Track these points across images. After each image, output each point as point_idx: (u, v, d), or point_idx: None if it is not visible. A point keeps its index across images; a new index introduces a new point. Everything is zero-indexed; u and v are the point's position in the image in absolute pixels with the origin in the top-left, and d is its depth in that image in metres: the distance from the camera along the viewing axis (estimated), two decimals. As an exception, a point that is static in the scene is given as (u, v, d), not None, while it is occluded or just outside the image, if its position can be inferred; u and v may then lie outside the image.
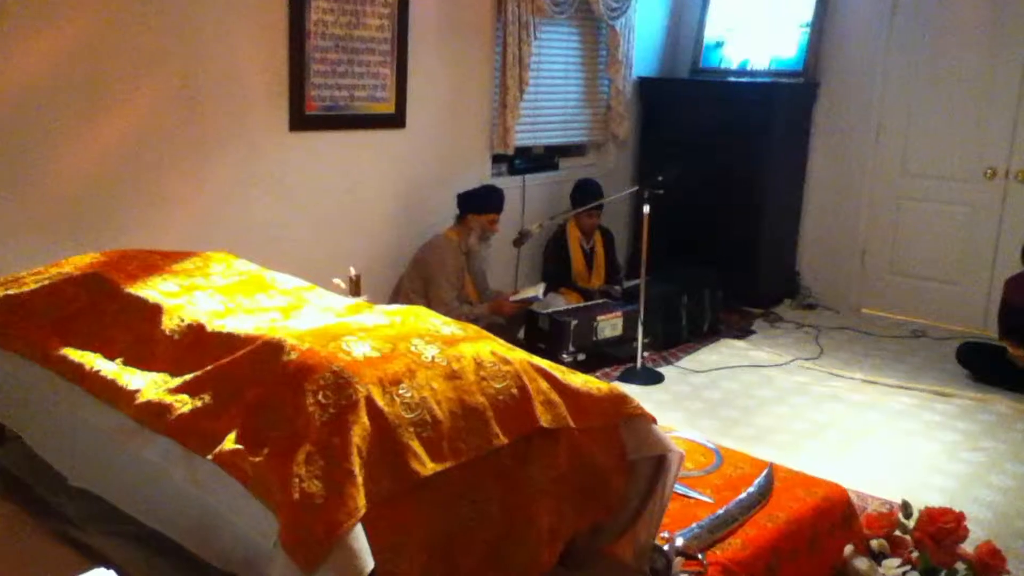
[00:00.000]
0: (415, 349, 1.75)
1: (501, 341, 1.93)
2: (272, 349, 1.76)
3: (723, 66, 6.34)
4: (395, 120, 4.66)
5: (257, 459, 1.59)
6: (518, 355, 1.87)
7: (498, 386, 1.76)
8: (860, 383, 4.70)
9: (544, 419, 1.78)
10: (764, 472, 2.31)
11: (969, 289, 5.65)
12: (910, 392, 4.58)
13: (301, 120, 4.23)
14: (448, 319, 1.98)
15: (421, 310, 2.00)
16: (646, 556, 1.85)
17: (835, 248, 6.21)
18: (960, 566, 2.38)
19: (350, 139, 4.49)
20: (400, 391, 1.64)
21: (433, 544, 1.65)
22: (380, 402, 1.60)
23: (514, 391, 1.77)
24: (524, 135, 5.43)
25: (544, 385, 1.84)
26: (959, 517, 2.45)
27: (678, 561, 1.85)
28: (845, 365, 4.96)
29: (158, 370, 1.91)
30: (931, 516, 2.47)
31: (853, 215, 6.11)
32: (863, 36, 5.91)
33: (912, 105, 5.78)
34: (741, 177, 5.87)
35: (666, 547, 1.86)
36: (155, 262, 2.37)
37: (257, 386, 1.72)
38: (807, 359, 5.04)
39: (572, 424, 1.82)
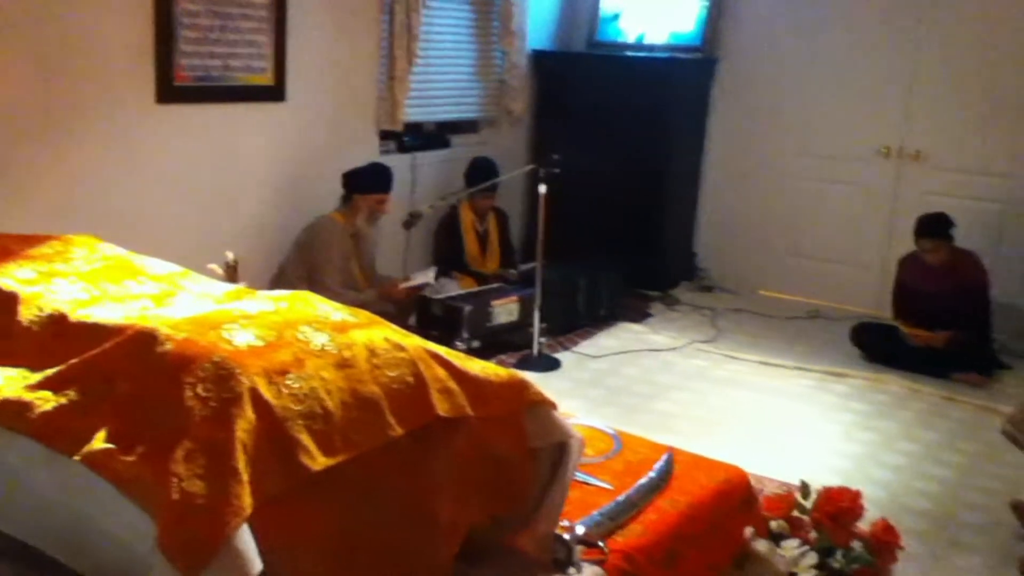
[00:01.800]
0: (303, 337, 1.74)
1: (395, 327, 1.93)
2: (145, 340, 1.72)
3: (620, 40, 6.45)
4: (274, 93, 4.57)
5: (131, 458, 1.55)
6: (413, 342, 1.88)
7: (392, 374, 1.77)
8: (757, 365, 4.90)
9: (442, 408, 1.79)
10: (664, 457, 2.40)
11: (863, 269, 5.96)
12: (806, 373, 4.81)
13: (170, 92, 4.09)
14: (339, 305, 1.97)
15: (309, 295, 1.98)
16: (547, 546, 1.89)
17: (732, 229, 6.43)
18: (856, 544, 2.53)
19: (225, 113, 4.37)
20: (288, 382, 1.62)
21: (328, 542, 1.64)
22: (266, 394, 1.58)
23: (409, 379, 1.78)
24: (414, 110, 5.40)
25: (441, 372, 1.85)
26: (855, 496, 2.60)
27: (579, 550, 1.90)
28: (741, 347, 5.16)
29: (16, 365, 1.83)
30: (828, 496, 2.61)
31: (750, 196, 6.34)
32: (761, 13, 6.13)
33: (809, 84, 6.03)
34: (639, 156, 6.00)
35: (567, 536, 1.90)
36: (8, 247, 2.26)
37: (129, 380, 1.68)
38: (703, 342, 5.22)
39: (471, 412, 1.84)
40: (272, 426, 1.57)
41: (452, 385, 1.84)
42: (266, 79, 4.51)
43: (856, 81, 5.88)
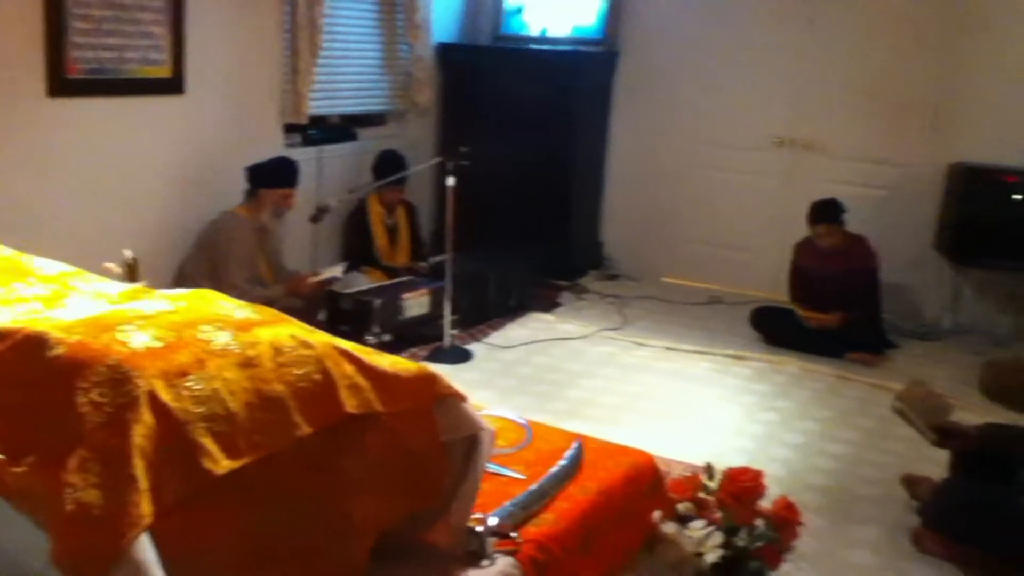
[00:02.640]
0: (204, 336, 1.66)
1: (302, 324, 1.87)
2: (34, 344, 1.62)
3: (524, 33, 6.45)
4: (173, 86, 4.40)
5: (21, 469, 1.46)
6: (320, 338, 1.82)
7: (299, 372, 1.71)
8: (663, 351, 4.97)
9: (351, 405, 1.74)
10: (574, 445, 2.39)
11: (761, 255, 6.11)
12: (710, 357, 4.90)
13: (62, 85, 3.90)
14: (242, 302, 1.90)
15: (209, 293, 1.90)
16: (461, 540, 1.87)
17: (637, 218, 6.51)
18: (760, 522, 2.58)
19: (121, 106, 4.19)
20: (188, 384, 1.55)
21: (236, 547, 1.58)
22: (165, 397, 1.51)
23: (317, 377, 1.73)
24: (319, 103, 5.29)
25: (349, 369, 1.80)
26: (757, 476, 2.66)
27: (492, 541, 1.88)
28: (647, 333, 5.23)
29: None
30: (732, 476, 2.66)
31: (653, 185, 6.43)
32: (660, 7, 6.21)
33: (707, 76, 6.14)
34: (546, 148, 6.02)
35: (480, 528, 1.88)
36: None
37: (17, 387, 1.58)
38: (611, 329, 5.27)
39: (381, 408, 1.79)
40: (172, 430, 1.49)
41: (361, 381, 1.79)
42: (164, 71, 4.35)
43: (751, 74, 6.01)
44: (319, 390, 1.71)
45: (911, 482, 3.42)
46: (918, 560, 3.01)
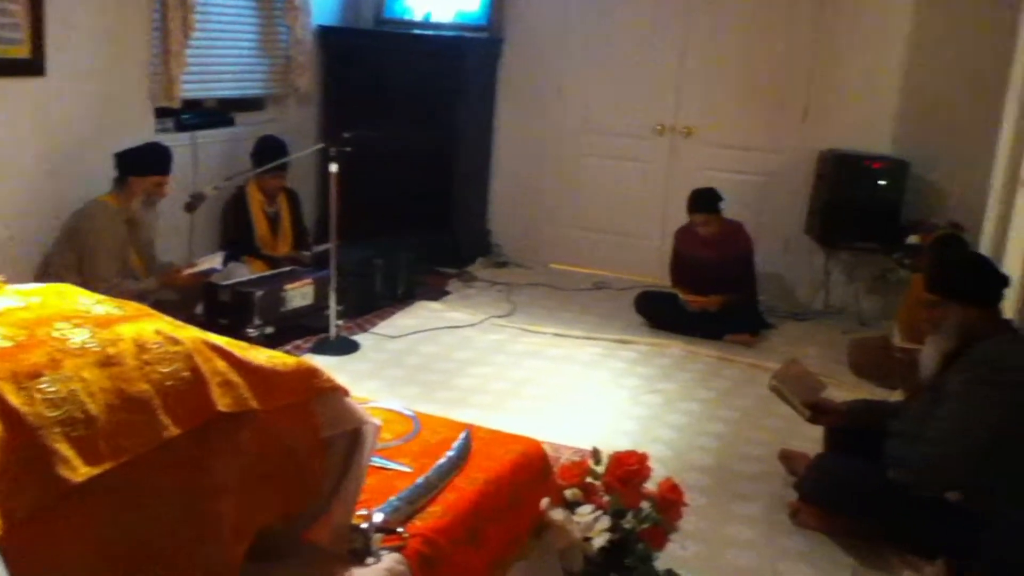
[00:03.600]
0: (59, 334, 1.54)
1: (169, 319, 1.76)
2: None
3: (407, 17, 6.36)
4: (31, 67, 4.12)
5: None
6: (189, 333, 1.72)
7: (165, 370, 1.60)
8: (551, 337, 4.99)
9: (223, 403, 1.65)
10: (462, 435, 2.35)
11: (644, 240, 6.21)
12: (596, 342, 4.95)
13: (-96, 64, 3.60)
14: (103, 297, 1.77)
15: (67, 288, 1.77)
16: (344, 538, 1.80)
17: (524, 205, 6.52)
18: (645, 504, 2.61)
19: (-27, 88, 3.91)
20: (41, 386, 1.43)
21: (99, 556, 1.47)
22: (15, 401, 1.39)
23: (185, 374, 1.63)
24: (193, 86, 5.07)
25: (221, 365, 1.70)
26: (642, 459, 2.68)
27: (378, 538, 1.82)
28: (536, 320, 5.25)
29: None
30: (618, 460, 2.67)
31: (539, 172, 6.45)
32: (542, -6, 6.20)
33: (589, 63, 6.18)
34: (432, 134, 5.96)
35: (365, 525, 1.82)
36: None
37: None
38: (500, 316, 5.26)
39: (257, 405, 1.71)
40: (24, 437, 1.38)
41: (234, 377, 1.70)
42: (21, 52, 4.07)
43: (633, 62, 6.08)
44: (188, 388, 1.61)
45: (788, 458, 3.53)
46: (796, 533, 3.11)
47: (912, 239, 5.06)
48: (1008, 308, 3.37)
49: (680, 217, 5.35)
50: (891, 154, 5.43)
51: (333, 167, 4.42)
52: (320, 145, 4.84)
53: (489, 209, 6.63)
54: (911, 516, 2.89)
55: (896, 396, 3.75)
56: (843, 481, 3.07)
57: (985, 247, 4.32)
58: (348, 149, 4.46)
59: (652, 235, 6.17)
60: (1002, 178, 4.31)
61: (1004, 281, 2.99)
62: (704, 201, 5.10)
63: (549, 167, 6.42)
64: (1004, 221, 4.25)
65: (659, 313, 5.25)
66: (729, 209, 5.17)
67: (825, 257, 5.71)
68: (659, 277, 5.79)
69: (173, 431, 1.55)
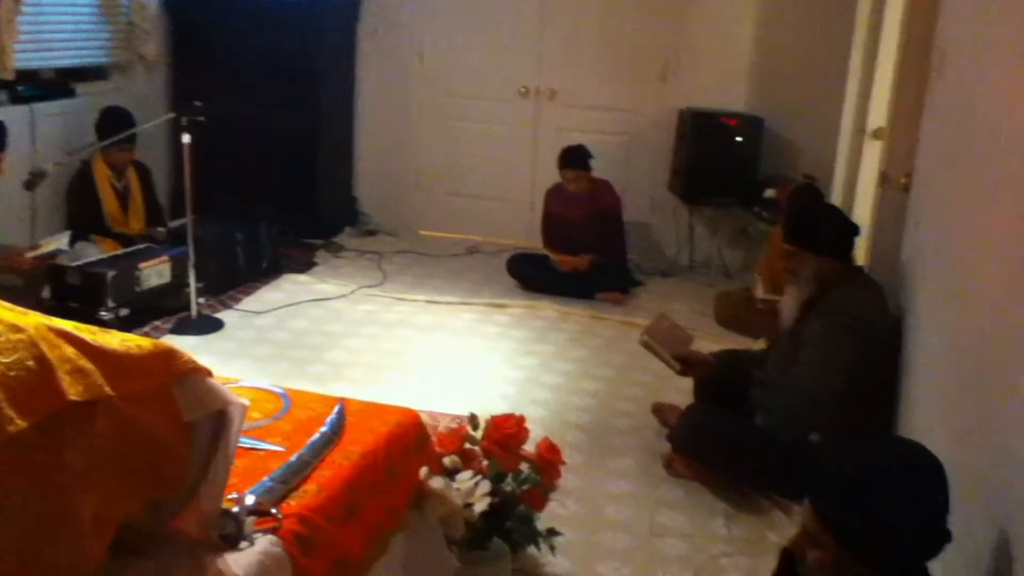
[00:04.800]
0: None
1: (9, 306, 1.65)
2: None
3: (258, -20, 6.10)
4: None
5: None
6: (32, 320, 1.61)
7: (8, 360, 1.50)
8: (424, 304, 4.97)
9: (74, 392, 1.56)
10: (336, 409, 2.31)
11: (514, 204, 6.24)
12: (470, 308, 4.96)
13: None
14: (-71, 286, 1.64)
15: None
16: (213, 524, 1.74)
17: (390, 172, 6.43)
18: (524, 466, 2.63)
19: None
20: None
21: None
22: None
23: (30, 363, 1.53)
24: (27, 56, 4.75)
25: (70, 351, 1.61)
26: (519, 421, 2.70)
27: (250, 521, 1.77)
28: (408, 288, 5.21)
29: None
30: (496, 424, 2.68)
31: (405, 138, 6.37)
32: (399, -46, 6.08)
33: (451, 27, 6.12)
34: (290, 101, 5.78)
35: (236, 509, 1.77)
36: None
37: None
38: (371, 286, 5.19)
39: (111, 392, 1.62)
40: None
41: (85, 364, 1.61)
42: None
43: (494, 24, 6.06)
44: (34, 378, 1.51)
45: (660, 410, 3.65)
46: (670, 483, 3.22)
47: (769, 193, 5.28)
48: (860, 255, 3.55)
49: (548, 179, 5.40)
50: (746, 111, 5.63)
51: (186, 138, 4.23)
52: (171, 115, 4.62)
53: (354, 177, 6.51)
54: (777, 460, 3.03)
55: (760, 345, 3.91)
56: (712, 430, 3.19)
57: (837, 198, 4.55)
58: (201, 119, 4.28)
59: (521, 198, 6.20)
60: (850, 130, 4.54)
61: (855, 230, 3.15)
62: (575, 157, 5.16)
63: (415, 132, 6.35)
64: (853, 171, 4.48)
65: (531, 275, 5.30)
66: (596, 170, 5.25)
67: (689, 214, 5.89)
68: (530, 240, 5.83)
69: (19, 424, 1.46)
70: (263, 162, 5.78)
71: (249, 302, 4.81)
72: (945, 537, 1.55)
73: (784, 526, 2.91)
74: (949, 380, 2.26)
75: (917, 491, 1.55)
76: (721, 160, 5.50)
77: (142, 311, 4.31)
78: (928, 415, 2.48)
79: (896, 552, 1.54)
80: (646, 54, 5.87)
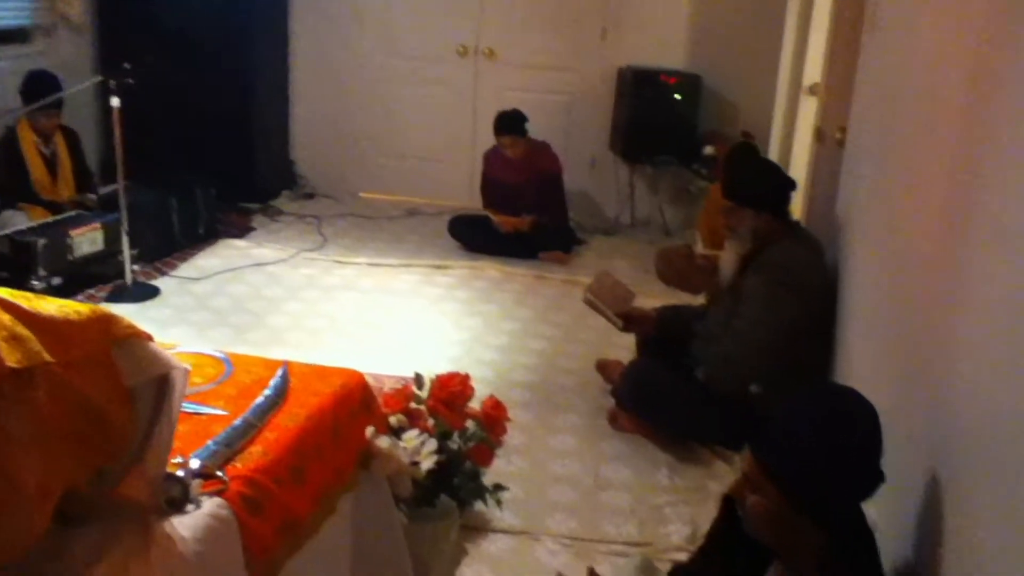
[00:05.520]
0: None
1: (-64, 274, 1.61)
2: None
3: (185, -63, 5.92)
4: None
5: None
6: (-37, 288, 1.58)
7: (-62, 330, 1.47)
8: (366, 267, 4.95)
9: (12, 359, 1.53)
10: (279, 372, 2.30)
11: (454, 165, 6.22)
12: (412, 269, 4.95)
13: None
14: None
15: None
16: (159, 488, 1.74)
17: (329, 135, 6.35)
18: (471, 424, 2.66)
19: None
20: None
21: None
22: None
23: (-38, 333, 1.50)
24: (-61, 16, 4.55)
25: (6, 318, 1.58)
26: (464, 379, 2.73)
27: (196, 484, 1.77)
28: (349, 251, 5.18)
29: None
30: (441, 383, 2.70)
31: (342, 100, 6.28)
32: (331, -91, 5.95)
33: (387, -15, 6.02)
34: (222, 63, 5.66)
35: (181, 473, 1.76)
36: None
37: None
38: (311, 250, 5.15)
39: (50, 359, 1.60)
40: None
41: (21, 331, 1.58)
42: None
43: (431, -19, 5.98)
44: (-33, 347, 1.48)
45: (604, 367, 3.70)
46: (614, 437, 3.28)
47: (708, 150, 5.34)
48: (796, 209, 3.63)
49: (488, 140, 5.38)
50: (685, 69, 5.67)
51: (115, 101, 4.13)
52: (99, 78, 4.49)
53: (291, 140, 6.41)
54: (718, 411, 3.11)
55: (700, 301, 3.99)
56: (654, 385, 3.25)
57: (774, 154, 4.63)
58: (131, 82, 4.17)
59: (461, 159, 6.18)
60: (786, 86, 4.61)
61: (791, 185, 3.22)
62: (509, 123, 5.15)
63: (353, 94, 6.26)
64: (789, 127, 4.56)
65: (473, 236, 5.31)
66: (535, 129, 5.25)
67: (629, 172, 5.93)
68: (471, 201, 5.83)
69: (-47, 394, 1.43)
70: (196, 126, 5.65)
71: (186, 268, 4.74)
72: (879, 478, 1.62)
73: (725, 476, 3.00)
74: (884, 329, 2.34)
75: (851, 436, 1.61)
76: (660, 118, 5.54)
77: (75, 280, 4.22)
78: (864, 363, 2.57)
79: (832, 494, 1.61)
80: (586, 12, 5.87)
